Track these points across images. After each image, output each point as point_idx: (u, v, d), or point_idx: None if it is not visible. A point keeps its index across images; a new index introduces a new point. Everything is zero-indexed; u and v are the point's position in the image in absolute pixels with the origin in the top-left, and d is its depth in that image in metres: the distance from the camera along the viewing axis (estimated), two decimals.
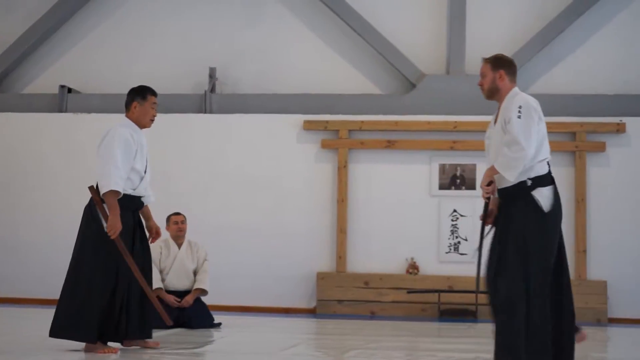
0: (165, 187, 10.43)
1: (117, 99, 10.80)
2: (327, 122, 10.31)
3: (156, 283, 7.46)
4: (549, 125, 11.06)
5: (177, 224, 7.74)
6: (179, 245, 7.71)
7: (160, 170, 10.55)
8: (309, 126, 10.33)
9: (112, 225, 5.27)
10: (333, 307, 9.95)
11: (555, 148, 10.11)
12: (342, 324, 8.53)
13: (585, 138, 9.95)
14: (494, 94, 4.91)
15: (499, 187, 4.85)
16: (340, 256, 10.11)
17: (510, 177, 4.71)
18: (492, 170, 4.80)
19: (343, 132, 10.27)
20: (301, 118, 10.35)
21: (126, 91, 11.28)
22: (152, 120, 5.67)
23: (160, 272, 7.58)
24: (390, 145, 10.24)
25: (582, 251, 9.79)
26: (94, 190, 5.47)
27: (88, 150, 10.66)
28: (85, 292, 5.27)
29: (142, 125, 5.63)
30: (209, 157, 10.51)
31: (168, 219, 7.79)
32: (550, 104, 10.18)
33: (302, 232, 10.24)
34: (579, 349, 6.24)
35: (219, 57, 10.93)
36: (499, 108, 4.88)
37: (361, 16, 10.57)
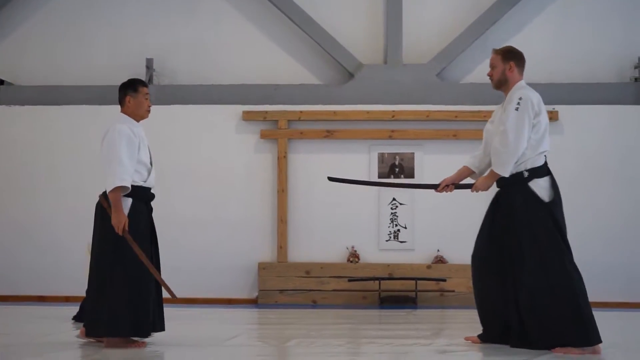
0: (103, 179, 10.30)
1: (51, 91, 10.66)
2: (266, 112, 10.31)
3: None
4: (485, 114, 11.28)
5: None
6: None
7: (99, 162, 10.41)
8: (247, 117, 10.31)
9: (117, 221, 5.24)
10: (275, 297, 9.98)
11: None
12: (284, 314, 8.57)
13: None
14: (502, 84, 5.20)
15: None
16: (281, 246, 10.14)
17: (504, 172, 5.00)
18: (492, 177, 5.11)
19: (282, 123, 10.28)
20: (240, 108, 10.33)
21: (61, 83, 11.22)
22: (149, 111, 5.64)
23: None
24: (329, 135, 10.29)
25: None
26: (103, 197, 5.45)
27: (22, 142, 10.48)
28: (127, 287, 5.25)
29: (139, 117, 5.62)
30: None
31: None
32: (485, 93, 10.37)
33: (242, 223, 10.24)
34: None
35: (155, 48, 10.81)
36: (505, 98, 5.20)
37: (299, 6, 10.57)
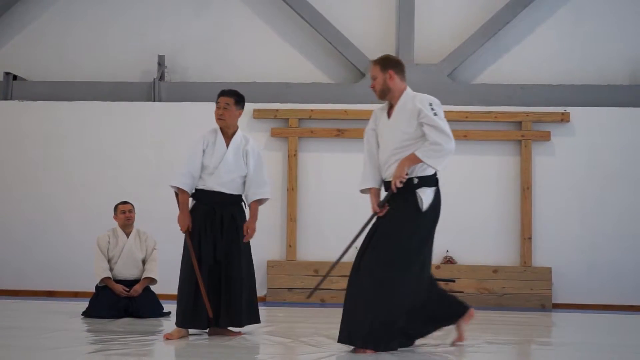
0: (113, 175, 10.34)
1: (63, 87, 10.70)
2: (276, 110, 10.31)
3: (104, 272, 7.44)
4: (496, 115, 11.24)
5: (124, 213, 7.68)
6: (127, 235, 7.66)
7: (109, 158, 10.46)
8: (258, 115, 10.32)
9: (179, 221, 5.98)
10: (283, 295, 9.99)
11: (501, 137, 10.36)
12: (292, 312, 8.57)
13: (530, 127, 10.13)
14: (385, 94, 5.22)
15: (386, 180, 5.16)
16: (290, 244, 10.15)
17: (438, 165, 4.96)
18: (412, 160, 4.99)
19: (293, 121, 10.28)
20: (251, 106, 10.32)
21: (73, 79, 11.24)
22: (219, 119, 6.05)
23: (109, 261, 7.53)
24: (340, 134, 10.29)
25: (527, 238, 9.99)
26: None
27: (33, 137, 10.52)
28: (188, 284, 5.88)
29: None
30: (158, 146, 10.44)
31: (115, 208, 7.73)
32: (497, 93, 10.38)
33: None
34: (524, 334, 6.40)
35: (167, 45, 10.84)
36: (391, 106, 5.33)
37: (311, 5, 10.58)
